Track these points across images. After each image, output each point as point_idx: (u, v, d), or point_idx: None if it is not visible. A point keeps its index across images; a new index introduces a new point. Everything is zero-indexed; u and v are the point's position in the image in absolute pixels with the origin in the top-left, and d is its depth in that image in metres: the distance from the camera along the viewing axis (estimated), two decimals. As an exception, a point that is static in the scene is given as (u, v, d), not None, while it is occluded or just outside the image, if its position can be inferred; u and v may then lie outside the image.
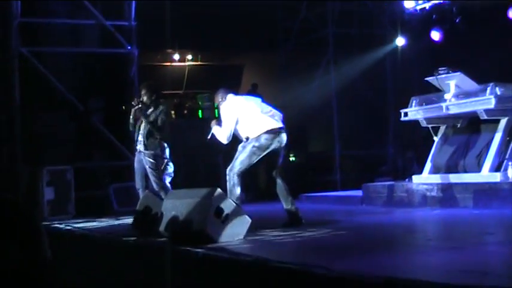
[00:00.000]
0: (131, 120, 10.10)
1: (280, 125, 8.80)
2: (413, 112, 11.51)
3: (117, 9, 14.70)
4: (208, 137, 9.12)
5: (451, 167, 11.08)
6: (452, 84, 10.76)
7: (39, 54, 13.93)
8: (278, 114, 8.95)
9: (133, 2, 14.59)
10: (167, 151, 10.52)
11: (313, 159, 17.91)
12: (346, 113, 17.02)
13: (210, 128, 9.08)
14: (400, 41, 16.59)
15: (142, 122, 10.02)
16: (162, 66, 18.80)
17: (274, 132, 8.67)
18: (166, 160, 10.47)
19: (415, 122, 11.67)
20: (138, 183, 10.04)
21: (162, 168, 10.25)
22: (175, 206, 7.54)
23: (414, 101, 11.55)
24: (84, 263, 8.40)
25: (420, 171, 11.64)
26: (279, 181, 8.86)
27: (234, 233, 7.30)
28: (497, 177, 10.13)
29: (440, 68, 10.86)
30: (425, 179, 11.26)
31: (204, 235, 7.04)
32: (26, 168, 13.15)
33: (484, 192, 9.88)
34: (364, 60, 16.86)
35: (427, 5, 14.55)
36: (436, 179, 11.04)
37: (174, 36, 16.96)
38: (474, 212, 9.57)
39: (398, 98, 15.09)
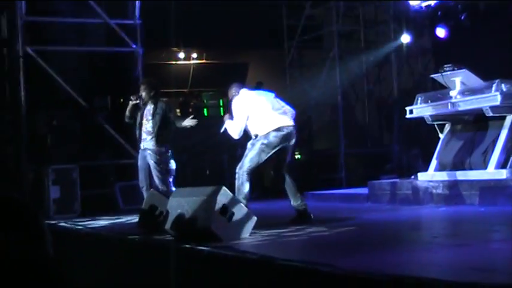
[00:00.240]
0: (127, 113, 10.13)
1: (290, 122, 8.78)
2: (419, 109, 11.50)
3: (122, 8, 14.71)
4: (221, 131, 9.12)
5: (457, 164, 11.06)
6: (457, 81, 10.75)
7: (45, 54, 13.95)
8: (290, 111, 8.94)
9: (138, 0, 14.59)
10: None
11: (318, 157, 17.90)
12: (351, 110, 17.02)
13: (223, 122, 9.06)
14: (405, 38, 16.57)
15: (144, 119, 10.02)
16: (167, 64, 18.82)
17: (283, 130, 8.64)
18: (169, 157, 10.48)
19: (421, 119, 11.66)
20: (142, 181, 10.04)
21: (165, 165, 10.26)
22: (181, 204, 7.54)
23: (419, 98, 11.54)
24: (89, 261, 8.41)
25: (426, 169, 11.63)
26: (287, 178, 8.85)
27: (240, 231, 7.30)
28: (503, 174, 10.10)
29: (445, 65, 10.85)
30: (430, 176, 11.24)
31: (209, 233, 7.04)
32: (32, 167, 13.18)
33: (489, 189, 9.86)
34: (369, 57, 16.85)
35: (432, 2, 14.51)
36: (442, 176, 11.02)
37: (179, 34, 17.01)
38: (480, 209, 9.56)
39: (404, 95, 15.09)
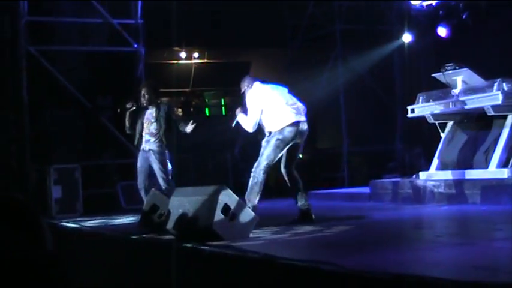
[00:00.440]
0: (127, 123, 10.10)
1: (304, 118, 8.77)
2: (421, 108, 11.50)
3: (124, 7, 14.72)
4: (233, 125, 9.11)
5: (459, 163, 11.06)
6: (459, 80, 10.74)
7: (47, 53, 13.96)
8: (302, 107, 8.91)
9: (140, 0, 14.60)
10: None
11: (321, 156, 17.90)
12: (354, 109, 17.01)
13: (235, 116, 9.04)
14: (407, 37, 16.55)
15: (147, 121, 10.02)
16: (169, 64, 18.81)
17: (298, 125, 8.63)
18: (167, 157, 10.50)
19: (423, 118, 11.66)
20: (142, 183, 10.02)
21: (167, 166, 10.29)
22: (183, 203, 7.54)
23: (421, 98, 11.54)
24: (91, 261, 8.41)
25: (427, 168, 11.63)
26: (294, 175, 8.82)
27: (241, 231, 7.29)
28: (504, 173, 10.10)
29: (447, 64, 10.85)
30: (432, 176, 11.24)
31: (211, 232, 7.04)
32: (34, 166, 13.20)
33: (491, 188, 9.86)
34: (371, 56, 16.84)
35: (433, 1, 14.51)
36: (444, 175, 11.02)
37: (180, 34, 16.99)
38: (482, 208, 9.55)
39: (406, 94, 15.08)
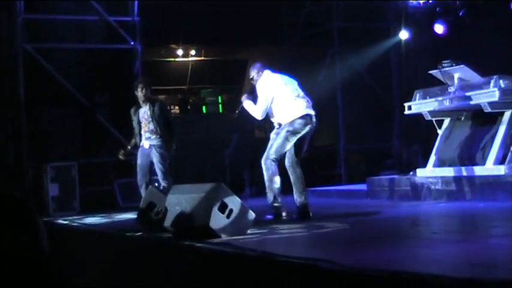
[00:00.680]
0: (137, 126, 10.17)
1: (313, 112, 8.73)
2: (417, 105, 11.50)
3: (121, 5, 14.70)
4: (237, 112, 9.10)
5: (456, 160, 11.07)
6: (455, 77, 10.75)
7: (44, 51, 13.94)
8: (310, 101, 8.88)
9: (137, -2, 14.60)
10: None
11: (319, 153, 17.89)
12: (351, 106, 17.01)
13: (240, 102, 9.00)
14: (403, 35, 16.55)
15: (145, 120, 10.04)
16: (166, 61, 18.79)
17: (307, 118, 8.60)
18: None
19: (420, 115, 11.67)
20: (141, 179, 10.03)
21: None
22: (180, 201, 7.54)
23: (418, 94, 11.54)
24: (88, 259, 8.41)
25: (424, 165, 11.63)
26: (298, 170, 8.79)
27: (238, 228, 7.30)
28: (501, 170, 10.11)
29: (443, 61, 10.84)
30: (429, 172, 11.25)
31: (208, 230, 7.04)
32: (32, 164, 13.18)
33: (488, 185, 9.87)
34: (368, 53, 16.83)
35: (430, -2, 14.52)
36: (441, 172, 11.03)
37: (177, 31, 16.97)
38: (479, 205, 9.56)
39: (403, 91, 15.09)
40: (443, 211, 9.71)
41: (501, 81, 10.12)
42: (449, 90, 10.84)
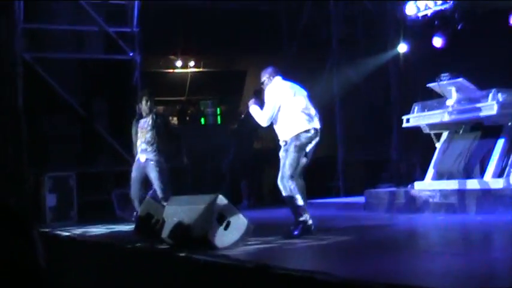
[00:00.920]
0: (135, 137, 10.15)
1: (318, 125, 8.62)
2: (416, 118, 11.51)
3: (120, 16, 14.73)
4: (242, 116, 8.97)
5: (454, 173, 11.06)
6: (454, 90, 10.76)
7: (43, 60, 13.96)
8: (317, 114, 8.76)
9: (136, 8, 14.61)
10: None
11: (316, 165, 17.86)
12: (349, 118, 17.01)
13: (247, 106, 8.86)
14: (402, 47, 16.58)
15: (143, 130, 10.03)
16: (165, 72, 18.81)
17: (311, 132, 8.47)
18: None
19: (418, 128, 11.67)
20: (136, 192, 10.00)
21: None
22: (177, 212, 7.54)
23: (416, 107, 11.55)
24: (85, 269, 8.39)
25: (423, 177, 11.63)
26: (300, 182, 8.69)
27: (236, 240, 7.29)
28: (500, 183, 10.11)
29: (442, 74, 10.86)
30: (427, 185, 11.24)
31: (205, 241, 7.04)
32: (30, 173, 13.17)
33: (486, 198, 9.86)
34: (367, 65, 16.86)
35: (429, 12, 14.54)
36: (439, 185, 11.02)
37: (176, 42, 17.00)
38: (477, 218, 9.55)
39: (401, 103, 15.09)
40: (441, 224, 9.70)
41: (499, 94, 10.14)
42: (447, 103, 10.86)
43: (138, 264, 7.57)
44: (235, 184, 15.38)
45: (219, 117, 18.85)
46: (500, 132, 10.56)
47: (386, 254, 6.51)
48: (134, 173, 10.05)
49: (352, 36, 17.32)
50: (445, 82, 10.81)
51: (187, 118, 18.55)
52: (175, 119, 18.62)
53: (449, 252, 6.53)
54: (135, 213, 9.66)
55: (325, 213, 12.20)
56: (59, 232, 10.77)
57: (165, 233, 7.56)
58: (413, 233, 8.93)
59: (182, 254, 6.84)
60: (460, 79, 10.66)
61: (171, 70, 18.80)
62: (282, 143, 8.55)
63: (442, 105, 11.00)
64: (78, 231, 10.73)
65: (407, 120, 11.64)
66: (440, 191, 10.71)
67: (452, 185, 10.75)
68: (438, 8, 14.32)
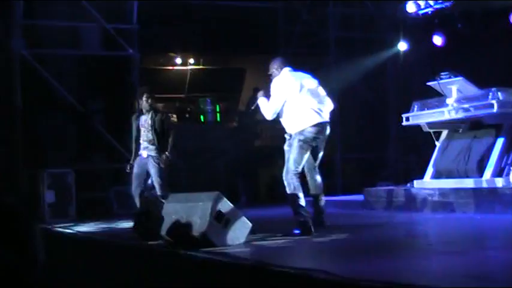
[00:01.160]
0: (135, 132, 10.14)
1: (324, 119, 8.42)
2: (415, 117, 11.50)
3: (119, 12, 14.70)
4: (252, 108, 8.89)
5: (453, 172, 11.06)
6: (454, 88, 10.75)
7: (40, 57, 13.93)
8: (329, 105, 8.58)
9: (135, 5, 14.59)
10: None
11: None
12: (348, 116, 16.99)
13: (255, 98, 8.72)
14: (402, 46, 16.56)
15: (144, 128, 10.03)
16: (164, 69, 18.78)
17: (319, 126, 8.31)
18: None
19: (417, 126, 11.66)
20: (137, 189, 10.00)
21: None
22: (176, 210, 7.53)
23: (416, 106, 11.54)
24: (84, 266, 8.38)
25: (422, 176, 11.62)
26: (317, 177, 8.61)
27: (235, 237, 7.29)
28: (499, 182, 10.11)
29: (442, 73, 10.85)
30: (427, 184, 11.24)
31: (204, 239, 7.03)
32: (27, 170, 13.16)
33: (485, 197, 9.86)
34: (365, 64, 16.83)
35: (429, 10, 14.53)
36: (438, 183, 11.02)
37: (176, 39, 16.97)
38: (476, 217, 9.55)
39: (400, 102, 15.08)
40: (439, 223, 9.70)
41: (499, 93, 10.13)
42: (447, 102, 10.85)
43: (136, 261, 7.56)
44: (233, 182, 15.37)
45: (218, 115, 18.81)
46: (499, 131, 10.55)
47: (385, 253, 6.50)
48: (136, 169, 10.07)
49: (350, 34, 17.30)
50: (445, 81, 10.81)
51: (187, 115, 18.50)
52: (174, 116, 18.58)
53: (448, 251, 6.51)
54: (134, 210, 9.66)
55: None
56: (57, 229, 10.77)
57: (163, 231, 7.55)
58: (412, 231, 8.91)
59: (181, 252, 6.83)
60: (460, 78, 10.65)
61: (171, 67, 18.77)
62: (286, 136, 8.45)
63: (441, 104, 10.99)
64: (78, 228, 10.72)
65: (407, 119, 11.63)
66: (439, 189, 10.71)
67: (451, 183, 10.75)
68: (438, 6, 14.30)
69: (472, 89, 10.62)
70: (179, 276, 6.62)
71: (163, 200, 8.73)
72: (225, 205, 7.28)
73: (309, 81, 8.66)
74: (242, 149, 15.84)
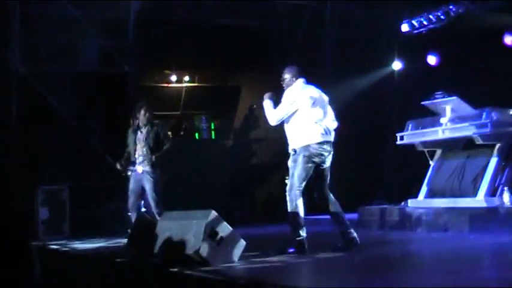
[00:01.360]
0: (131, 145, 10.16)
1: (331, 138, 8.43)
2: (409, 136, 11.54)
3: (115, 30, 14.74)
4: (254, 106, 8.80)
5: (447, 191, 11.08)
6: (448, 108, 10.80)
7: (37, 73, 13.94)
8: (334, 124, 8.62)
9: (132, 22, 14.63)
10: None
11: (308, 182, 17.84)
12: (342, 135, 17.01)
13: (262, 99, 8.59)
14: (396, 65, 16.63)
15: (141, 143, 10.05)
16: (159, 87, 18.80)
17: (322, 144, 8.27)
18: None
19: (411, 145, 11.69)
20: (133, 205, 10.01)
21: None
22: (170, 227, 7.52)
23: (410, 125, 11.58)
24: (77, 284, 8.36)
25: (416, 195, 11.63)
26: (332, 198, 8.54)
27: (229, 255, 7.28)
28: (493, 201, 10.13)
29: (436, 92, 10.90)
30: (421, 203, 11.25)
31: (198, 257, 7.02)
32: (22, 187, 13.13)
33: (479, 217, 9.87)
34: (360, 83, 16.89)
35: (423, 30, 14.62)
36: (432, 202, 11.04)
37: (171, 57, 17.00)
38: (470, 236, 9.56)
39: (395, 121, 15.13)
40: (433, 242, 9.70)
41: (493, 113, 10.17)
42: (441, 121, 10.89)
43: (130, 279, 7.54)
44: (228, 199, 15.36)
45: (213, 133, 18.81)
46: (493, 150, 10.58)
47: (379, 271, 6.51)
48: (131, 185, 10.10)
49: (346, 54, 17.35)
50: (439, 100, 10.85)
51: (182, 133, 18.51)
52: (169, 133, 18.57)
53: (441, 270, 6.52)
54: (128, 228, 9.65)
55: (317, 230, 12.18)
56: (53, 246, 10.74)
57: (157, 248, 7.54)
58: (406, 250, 8.92)
59: (174, 270, 6.82)
60: (454, 97, 10.69)
61: (166, 84, 18.78)
62: (291, 151, 8.32)
63: (436, 123, 11.03)
64: (72, 245, 10.69)
65: (401, 138, 11.66)
66: (433, 208, 10.73)
67: (445, 202, 10.77)
68: (433, 26, 14.39)
69: (466, 109, 10.66)
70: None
71: (158, 218, 8.74)
72: (219, 223, 7.28)
73: (321, 97, 8.63)
74: (237, 167, 15.84)
